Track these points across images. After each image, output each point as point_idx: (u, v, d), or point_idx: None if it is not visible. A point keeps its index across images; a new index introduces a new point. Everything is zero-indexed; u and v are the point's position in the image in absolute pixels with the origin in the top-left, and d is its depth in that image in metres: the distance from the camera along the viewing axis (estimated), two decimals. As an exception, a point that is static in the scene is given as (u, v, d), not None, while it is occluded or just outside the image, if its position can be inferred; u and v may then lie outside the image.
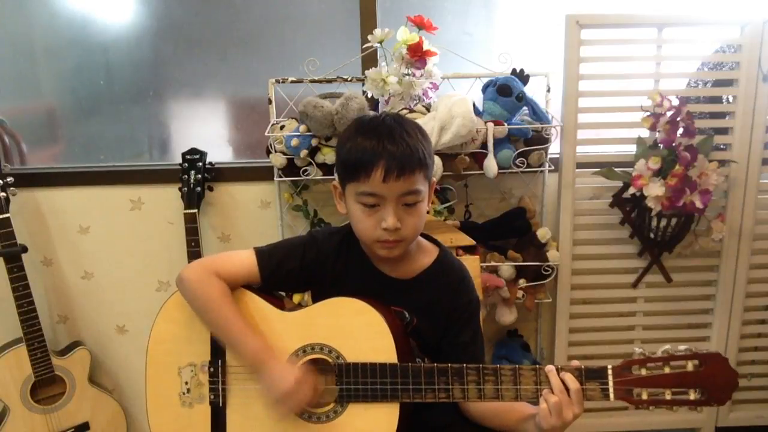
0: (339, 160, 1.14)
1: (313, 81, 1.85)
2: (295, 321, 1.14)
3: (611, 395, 1.02)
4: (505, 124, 1.77)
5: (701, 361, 1.01)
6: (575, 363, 1.05)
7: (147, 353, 1.18)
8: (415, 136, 1.09)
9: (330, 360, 1.11)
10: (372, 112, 1.78)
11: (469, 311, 1.19)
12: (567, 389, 1.02)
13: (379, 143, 1.05)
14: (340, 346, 1.10)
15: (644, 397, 1.02)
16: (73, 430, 1.91)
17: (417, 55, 1.71)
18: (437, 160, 1.71)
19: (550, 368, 1.04)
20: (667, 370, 1.01)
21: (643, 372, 1.02)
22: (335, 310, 1.12)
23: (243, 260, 1.17)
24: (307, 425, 1.11)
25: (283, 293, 1.30)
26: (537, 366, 1.05)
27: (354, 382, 1.09)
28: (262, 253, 1.17)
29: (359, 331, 1.10)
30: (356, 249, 1.17)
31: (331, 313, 1.12)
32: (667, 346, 1.02)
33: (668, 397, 1.01)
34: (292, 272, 1.17)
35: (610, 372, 1.02)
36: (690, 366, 1.01)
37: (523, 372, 1.05)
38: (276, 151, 1.79)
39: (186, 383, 1.17)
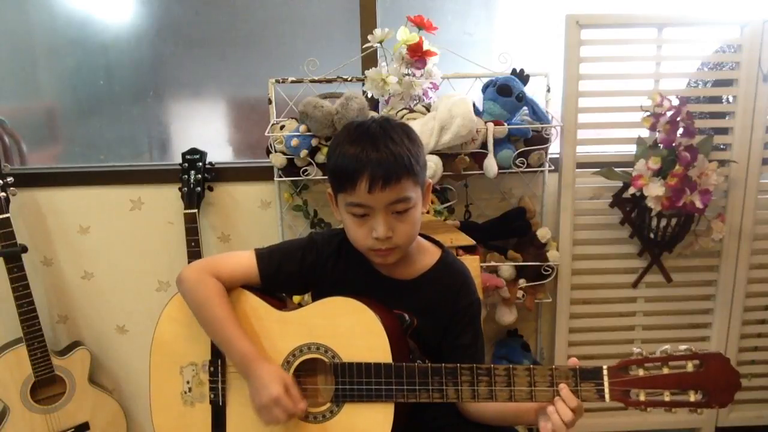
0: (328, 169, 1.13)
1: (313, 81, 1.85)
2: (291, 321, 1.14)
3: (606, 396, 1.00)
4: (505, 124, 1.77)
5: (701, 362, 0.98)
6: (572, 361, 1.03)
7: (150, 353, 1.19)
8: (401, 142, 1.06)
9: (326, 360, 1.11)
10: (372, 113, 1.78)
11: (470, 313, 1.18)
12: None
13: (362, 152, 1.03)
14: (336, 346, 1.11)
15: (642, 398, 0.99)
16: (73, 430, 1.91)
17: (417, 55, 1.71)
18: (437, 160, 1.71)
19: (563, 387, 1.01)
20: (665, 370, 0.98)
21: (641, 372, 0.99)
22: (330, 310, 1.12)
23: (243, 261, 1.17)
24: (305, 425, 1.11)
25: (285, 295, 1.30)
26: (531, 366, 1.03)
27: (349, 382, 1.09)
28: (262, 256, 1.17)
29: (354, 330, 1.10)
30: (355, 251, 1.16)
31: (326, 312, 1.12)
32: (667, 346, 0.99)
33: (667, 398, 0.98)
34: (291, 275, 1.18)
35: (605, 372, 1.00)
36: (690, 366, 0.98)
37: (516, 372, 1.04)
38: (276, 151, 1.79)
39: (188, 382, 1.17)
